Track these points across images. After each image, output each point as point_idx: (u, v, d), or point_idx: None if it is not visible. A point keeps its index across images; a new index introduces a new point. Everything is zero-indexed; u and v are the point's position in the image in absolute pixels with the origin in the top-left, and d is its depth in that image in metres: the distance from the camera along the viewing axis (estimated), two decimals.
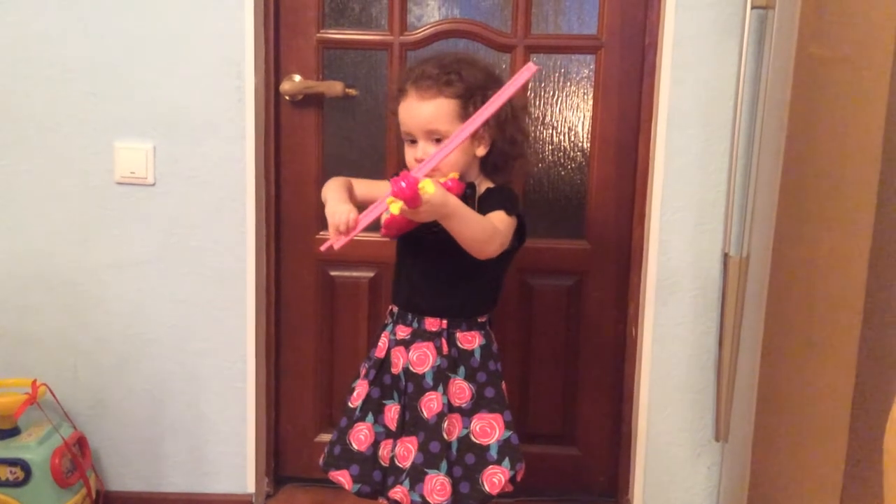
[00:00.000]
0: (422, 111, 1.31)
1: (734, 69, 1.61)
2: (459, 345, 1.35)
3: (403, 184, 1.10)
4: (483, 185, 1.38)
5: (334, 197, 1.33)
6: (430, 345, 1.34)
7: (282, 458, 1.96)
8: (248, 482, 1.85)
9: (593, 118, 1.81)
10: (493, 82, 1.34)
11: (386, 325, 1.42)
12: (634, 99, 1.77)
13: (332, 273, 1.89)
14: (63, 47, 1.72)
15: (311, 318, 1.91)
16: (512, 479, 1.33)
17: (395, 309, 1.41)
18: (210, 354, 1.81)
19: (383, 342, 1.40)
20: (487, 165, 1.38)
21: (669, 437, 1.80)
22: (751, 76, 1.60)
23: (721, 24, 1.64)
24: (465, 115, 1.29)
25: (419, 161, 1.29)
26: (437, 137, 1.30)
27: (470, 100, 1.30)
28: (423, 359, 1.34)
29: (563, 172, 1.85)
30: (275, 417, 1.93)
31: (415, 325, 1.37)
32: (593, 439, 1.92)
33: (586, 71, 1.80)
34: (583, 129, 1.83)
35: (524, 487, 1.93)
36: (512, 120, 1.34)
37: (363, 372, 1.42)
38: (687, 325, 1.76)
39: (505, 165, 1.39)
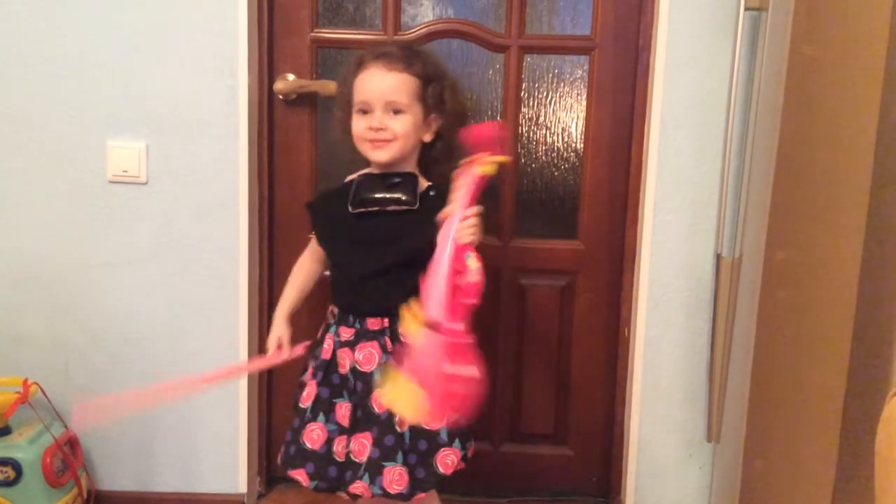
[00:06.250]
0: (387, 80, 1.35)
1: (727, 70, 1.61)
2: (403, 340, 1.36)
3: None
4: (421, 181, 1.40)
5: (280, 310, 1.50)
6: (375, 343, 1.37)
7: (273, 457, 1.95)
8: (239, 482, 1.85)
9: (587, 119, 1.81)
10: (444, 78, 1.41)
11: (329, 327, 1.44)
12: (628, 100, 1.77)
13: (325, 273, 1.88)
14: (55, 45, 1.71)
15: (303, 319, 1.90)
16: (464, 458, 1.38)
17: (336, 310, 1.43)
18: (202, 354, 1.81)
19: (328, 344, 1.42)
20: (427, 158, 1.42)
21: (661, 438, 1.80)
22: (744, 77, 1.60)
23: (714, 25, 1.65)
24: (423, 97, 1.36)
25: (372, 129, 1.33)
26: (396, 110, 1.35)
27: (428, 86, 1.37)
28: (368, 358, 1.37)
29: (556, 173, 1.85)
30: (266, 417, 1.93)
31: (357, 325, 1.39)
32: (585, 439, 1.92)
33: (580, 72, 1.80)
34: (576, 130, 1.83)
35: (516, 487, 1.94)
36: (452, 115, 1.42)
37: (310, 371, 1.44)
38: (679, 325, 1.76)
39: (447, 160, 1.38)
